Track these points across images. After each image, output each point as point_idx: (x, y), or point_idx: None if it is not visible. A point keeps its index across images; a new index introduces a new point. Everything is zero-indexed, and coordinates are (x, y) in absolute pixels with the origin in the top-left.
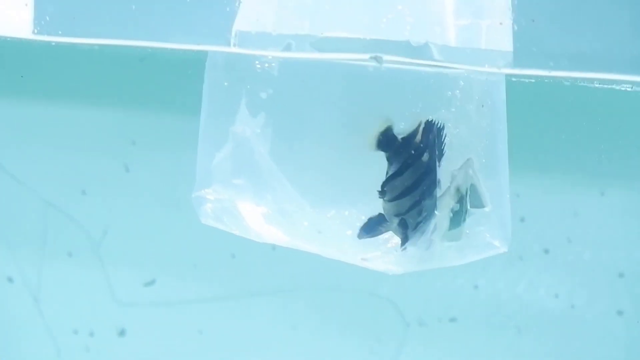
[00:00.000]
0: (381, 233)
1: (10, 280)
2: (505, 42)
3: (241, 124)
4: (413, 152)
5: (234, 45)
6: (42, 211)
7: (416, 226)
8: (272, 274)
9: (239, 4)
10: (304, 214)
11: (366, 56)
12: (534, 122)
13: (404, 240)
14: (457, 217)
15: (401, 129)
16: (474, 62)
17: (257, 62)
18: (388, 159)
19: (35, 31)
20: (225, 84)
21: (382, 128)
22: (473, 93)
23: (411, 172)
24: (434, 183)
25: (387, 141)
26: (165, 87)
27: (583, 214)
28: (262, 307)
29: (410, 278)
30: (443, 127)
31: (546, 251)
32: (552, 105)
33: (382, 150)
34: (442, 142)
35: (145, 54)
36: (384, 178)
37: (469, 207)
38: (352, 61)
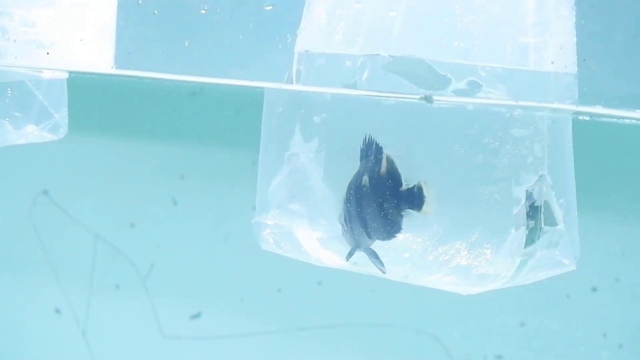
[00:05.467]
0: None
1: (58, 311)
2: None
3: (295, 149)
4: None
5: (297, 69)
6: (91, 243)
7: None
8: (318, 309)
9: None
10: None
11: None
12: (581, 160)
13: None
14: (532, 235)
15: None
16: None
17: None
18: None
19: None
20: (280, 109)
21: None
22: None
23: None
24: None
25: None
26: (214, 121)
27: (631, 253)
28: (307, 342)
29: (458, 314)
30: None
31: (594, 289)
32: (600, 145)
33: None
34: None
35: (196, 89)
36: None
37: (542, 225)
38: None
